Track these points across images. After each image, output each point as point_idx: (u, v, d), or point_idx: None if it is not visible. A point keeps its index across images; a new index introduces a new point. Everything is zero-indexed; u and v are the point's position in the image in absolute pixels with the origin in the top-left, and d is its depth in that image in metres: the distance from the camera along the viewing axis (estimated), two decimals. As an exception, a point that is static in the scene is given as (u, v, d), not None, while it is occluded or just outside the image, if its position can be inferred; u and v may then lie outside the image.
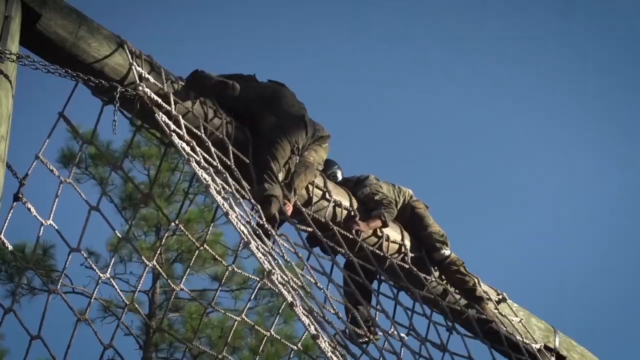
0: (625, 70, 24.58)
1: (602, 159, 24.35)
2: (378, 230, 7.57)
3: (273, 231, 6.22)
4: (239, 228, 5.55)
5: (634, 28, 24.38)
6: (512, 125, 25.76)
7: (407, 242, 7.77)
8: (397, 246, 7.69)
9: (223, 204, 5.62)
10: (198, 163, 5.92)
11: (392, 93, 25.68)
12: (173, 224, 7.56)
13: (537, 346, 8.14)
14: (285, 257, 6.85)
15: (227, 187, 6.08)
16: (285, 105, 6.92)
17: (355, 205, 7.50)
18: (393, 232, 7.70)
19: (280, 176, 6.77)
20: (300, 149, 6.90)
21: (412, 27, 25.59)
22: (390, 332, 7.32)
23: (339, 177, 7.67)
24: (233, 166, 6.52)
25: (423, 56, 25.80)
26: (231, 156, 6.58)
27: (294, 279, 5.72)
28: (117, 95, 6.00)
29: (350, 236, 7.34)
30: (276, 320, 15.81)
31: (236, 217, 5.68)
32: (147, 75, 6.28)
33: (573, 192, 24.93)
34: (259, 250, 5.49)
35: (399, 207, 7.76)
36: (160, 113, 6.15)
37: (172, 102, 6.34)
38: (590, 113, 24.54)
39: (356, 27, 25.73)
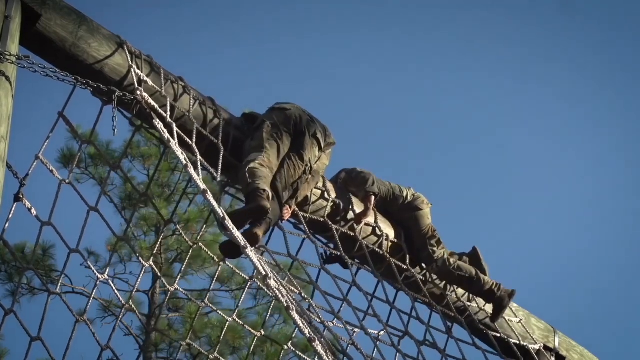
0: (629, 66, 24.59)
1: (603, 158, 24.37)
2: (377, 229, 7.57)
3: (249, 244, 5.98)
4: (235, 232, 5.56)
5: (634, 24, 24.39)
6: (514, 125, 25.78)
7: (404, 242, 7.76)
8: (396, 246, 7.69)
9: (220, 209, 5.63)
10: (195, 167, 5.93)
11: (392, 91, 25.69)
12: (172, 224, 7.56)
13: (537, 347, 8.14)
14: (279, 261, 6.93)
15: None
16: (300, 126, 6.87)
17: (355, 204, 7.49)
18: (391, 232, 7.70)
19: (286, 194, 6.74)
20: (312, 168, 6.88)
21: (411, 25, 25.60)
22: (380, 333, 7.34)
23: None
24: (218, 176, 6.46)
25: (424, 55, 25.82)
26: (220, 162, 6.53)
27: (289, 286, 5.73)
28: (115, 100, 6.01)
29: (352, 234, 7.33)
30: (272, 320, 16.04)
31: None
32: (145, 78, 6.28)
33: (573, 191, 24.94)
34: (255, 254, 5.52)
35: (400, 203, 7.75)
36: (157, 119, 6.16)
37: (169, 107, 6.34)
38: (591, 113, 24.56)
39: (351, 20, 25.75)
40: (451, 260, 7.74)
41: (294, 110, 6.91)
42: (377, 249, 7.51)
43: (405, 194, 7.78)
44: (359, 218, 7.42)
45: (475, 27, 25.13)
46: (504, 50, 25.15)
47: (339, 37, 25.89)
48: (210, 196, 5.65)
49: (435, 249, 7.68)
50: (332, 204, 7.25)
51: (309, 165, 6.82)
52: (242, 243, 5.48)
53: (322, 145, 6.92)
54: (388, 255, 7.54)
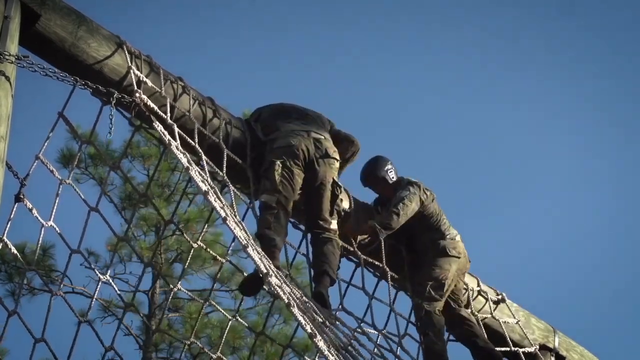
0: (627, 71, 24.60)
1: (603, 159, 24.37)
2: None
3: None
4: (236, 233, 5.58)
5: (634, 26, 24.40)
6: (513, 125, 25.77)
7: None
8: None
9: (221, 210, 5.64)
10: (197, 165, 5.94)
11: (393, 92, 25.70)
12: (172, 224, 7.57)
13: (532, 349, 8.11)
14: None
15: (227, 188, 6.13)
16: (310, 156, 6.96)
17: (352, 205, 7.46)
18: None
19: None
20: (338, 185, 7.05)
21: (412, 28, 25.62)
22: (383, 330, 7.34)
23: (395, 175, 7.58)
24: (224, 177, 6.51)
25: (425, 56, 25.83)
26: (224, 162, 6.58)
27: (290, 285, 5.74)
28: (114, 102, 6.02)
29: (351, 249, 7.31)
30: (272, 320, 16.05)
31: (234, 221, 5.71)
32: (145, 79, 6.27)
33: (573, 191, 24.95)
34: (256, 253, 5.53)
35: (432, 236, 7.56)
36: (157, 122, 6.16)
37: (169, 108, 6.34)
38: (590, 113, 24.55)
39: (360, 28, 25.77)
40: (436, 315, 7.39)
41: (300, 140, 6.90)
42: (376, 262, 7.50)
43: (447, 233, 7.58)
44: (357, 236, 7.41)
45: (476, 29, 25.14)
46: (509, 49, 25.17)
47: (340, 36, 25.93)
48: (211, 197, 5.65)
49: (435, 295, 7.40)
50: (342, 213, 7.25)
51: (329, 184, 6.92)
52: (244, 242, 5.49)
53: (336, 157, 7.01)
54: (388, 270, 7.48)
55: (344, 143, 7.23)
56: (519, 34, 25.16)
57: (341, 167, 7.20)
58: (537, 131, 25.41)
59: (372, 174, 7.57)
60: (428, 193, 7.55)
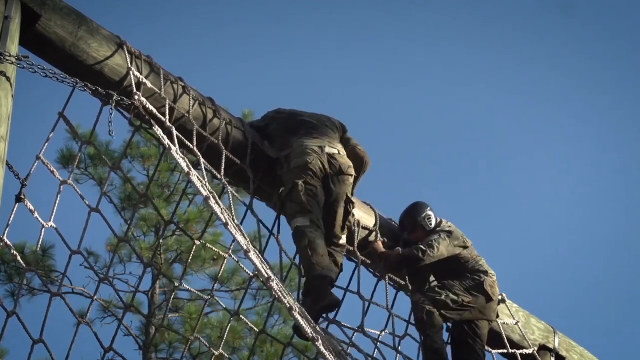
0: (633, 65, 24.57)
1: (605, 160, 24.39)
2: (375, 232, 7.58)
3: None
4: (238, 237, 5.59)
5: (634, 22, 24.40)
6: (515, 125, 25.79)
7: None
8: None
9: (221, 214, 5.65)
10: (197, 167, 5.96)
11: (390, 91, 25.72)
12: (173, 224, 7.59)
13: (529, 351, 8.11)
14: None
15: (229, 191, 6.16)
16: (326, 172, 6.99)
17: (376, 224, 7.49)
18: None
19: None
20: (351, 201, 7.09)
21: (410, 24, 25.64)
22: (381, 334, 7.35)
23: (433, 222, 7.56)
24: (222, 179, 6.54)
25: (421, 53, 25.84)
26: (222, 162, 6.60)
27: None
28: (113, 104, 6.02)
29: (351, 248, 7.32)
30: (272, 320, 16.08)
31: (234, 226, 5.72)
32: (144, 80, 6.28)
33: (574, 192, 24.96)
34: (258, 258, 5.55)
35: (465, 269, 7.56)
36: (156, 125, 6.17)
37: (167, 110, 6.34)
38: (598, 113, 24.57)
39: (350, 23, 25.79)
40: (437, 317, 7.36)
41: (315, 158, 6.89)
42: (373, 270, 7.54)
43: (489, 271, 7.59)
44: (373, 249, 7.44)
45: (479, 36, 25.17)
46: (515, 42, 25.17)
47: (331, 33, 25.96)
48: (212, 202, 5.66)
49: (445, 300, 7.41)
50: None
51: (342, 200, 6.95)
52: (245, 248, 5.50)
53: (350, 173, 7.02)
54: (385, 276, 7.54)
55: (354, 162, 7.15)
56: (525, 25, 25.15)
57: (353, 185, 7.16)
58: (544, 133, 25.42)
59: (410, 219, 7.58)
60: (461, 240, 7.55)
